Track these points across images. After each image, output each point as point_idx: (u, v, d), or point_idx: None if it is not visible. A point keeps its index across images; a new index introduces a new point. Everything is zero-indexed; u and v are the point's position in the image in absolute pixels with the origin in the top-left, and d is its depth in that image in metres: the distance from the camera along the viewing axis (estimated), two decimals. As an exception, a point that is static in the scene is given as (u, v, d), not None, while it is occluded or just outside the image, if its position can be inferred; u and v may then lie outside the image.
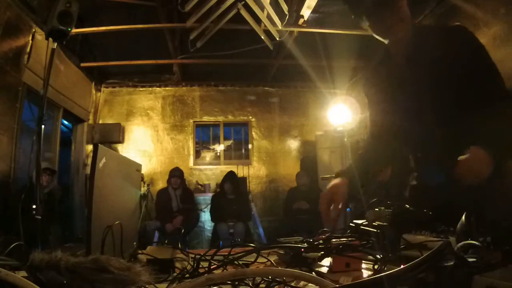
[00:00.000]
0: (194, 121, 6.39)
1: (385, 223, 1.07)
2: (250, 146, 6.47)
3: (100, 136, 5.81)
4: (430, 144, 1.26)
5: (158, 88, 6.37)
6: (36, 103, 3.89)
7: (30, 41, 3.89)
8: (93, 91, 5.92)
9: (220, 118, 6.49)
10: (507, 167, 1.15)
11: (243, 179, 5.97)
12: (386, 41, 1.34)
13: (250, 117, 6.55)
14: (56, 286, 0.59)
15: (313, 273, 0.84)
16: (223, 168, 6.03)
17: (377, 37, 1.34)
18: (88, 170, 5.37)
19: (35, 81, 3.89)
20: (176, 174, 4.96)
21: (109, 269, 0.63)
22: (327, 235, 1.19)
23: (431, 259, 0.63)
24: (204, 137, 6.63)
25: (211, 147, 6.54)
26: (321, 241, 1.07)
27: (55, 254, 0.63)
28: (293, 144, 6.55)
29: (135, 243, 1.19)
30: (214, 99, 6.51)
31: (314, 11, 4.04)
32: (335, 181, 1.30)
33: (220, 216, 4.80)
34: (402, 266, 0.63)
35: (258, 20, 3.96)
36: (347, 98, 5.17)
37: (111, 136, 5.91)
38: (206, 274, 0.78)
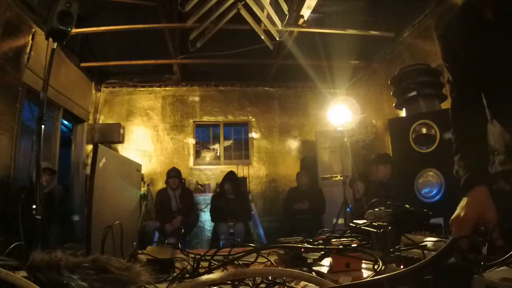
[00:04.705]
0: (194, 121, 6.39)
1: (385, 223, 1.07)
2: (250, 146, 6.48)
3: (100, 136, 5.81)
4: None
5: (158, 88, 6.37)
6: (36, 103, 3.89)
7: (30, 41, 3.89)
8: (93, 91, 5.92)
9: (220, 118, 6.49)
10: None
11: (243, 179, 5.97)
12: None
13: (250, 117, 6.55)
14: (56, 286, 0.59)
15: (313, 273, 0.84)
16: (223, 168, 6.03)
17: None
18: (88, 170, 5.37)
19: (35, 81, 3.89)
20: (173, 174, 4.96)
21: (109, 269, 0.63)
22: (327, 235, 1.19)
23: (434, 262, 0.63)
24: (204, 137, 6.62)
25: (211, 147, 6.54)
26: (321, 241, 1.07)
27: (55, 254, 0.63)
28: (293, 144, 6.55)
29: (135, 243, 1.19)
30: (214, 99, 6.50)
31: (314, 11, 4.04)
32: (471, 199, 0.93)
33: (220, 216, 4.80)
34: (403, 268, 0.63)
35: (258, 20, 3.96)
36: (347, 98, 5.17)
37: (111, 136, 5.91)
38: (206, 274, 0.78)
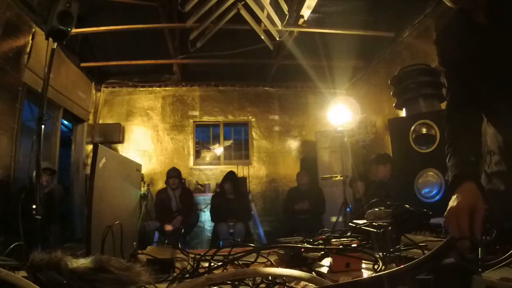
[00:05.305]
0: (194, 121, 6.39)
1: (385, 223, 1.08)
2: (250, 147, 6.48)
3: (100, 136, 5.82)
4: None
5: (158, 88, 6.37)
6: (36, 103, 3.89)
7: (30, 41, 3.89)
8: (93, 91, 5.92)
9: (220, 118, 6.49)
10: None
11: (243, 179, 5.97)
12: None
13: (250, 117, 6.55)
14: (56, 286, 0.59)
15: (313, 273, 0.84)
16: (223, 168, 6.03)
17: None
18: (88, 170, 5.37)
19: (35, 81, 3.89)
20: (173, 174, 4.96)
21: (109, 269, 0.63)
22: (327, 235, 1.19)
23: (431, 260, 0.63)
24: (204, 137, 6.62)
25: (211, 147, 6.54)
26: (321, 241, 1.07)
27: (55, 254, 0.63)
28: (293, 144, 6.55)
29: (135, 243, 1.19)
30: (214, 99, 6.50)
31: (314, 11, 4.04)
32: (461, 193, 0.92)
33: (220, 216, 4.80)
34: (401, 266, 0.63)
35: (258, 20, 3.96)
36: (347, 98, 5.17)
37: (111, 136, 5.91)
38: (206, 274, 0.78)
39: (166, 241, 4.27)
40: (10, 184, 3.54)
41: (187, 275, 0.86)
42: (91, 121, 5.85)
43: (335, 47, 4.87)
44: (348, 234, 1.21)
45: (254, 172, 6.33)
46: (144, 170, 5.68)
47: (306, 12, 3.99)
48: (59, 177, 5.02)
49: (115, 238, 0.95)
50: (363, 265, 0.92)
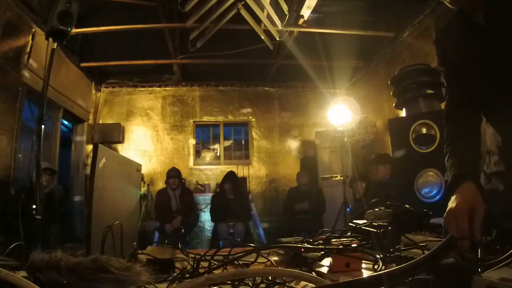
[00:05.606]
0: (194, 121, 6.39)
1: (385, 223, 1.08)
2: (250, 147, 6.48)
3: (100, 136, 5.81)
4: None
5: (158, 88, 6.37)
6: (36, 103, 3.89)
7: (30, 41, 3.89)
8: (93, 91, 5.92)
9: (220, 118, 6.49)
10: None
11: (243, 179, 5.97)
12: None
13: (250, 117, 6.55)
14: (56, 286, 0.59)
15: (313, 273, 0.84)
16: (223, 168, 6.03)
17: None
18: (88, 170, 5.37)
19: (35, 81, 3.89)
20: (173, 174, 4.96)
21: (109, 269, 0.63)
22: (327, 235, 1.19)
23: (431, 259, 0.63)
24: (204, 137, 6.62)
25: (211, 147, 6.54)
26: (321, 241, 1.07)
27: (55, 254, 0.63)
28: (293, 144, 6.55)
29: (135, 243, 1.19)
30: (214, 99, 6.50)
31: (314, 11, 4.04)
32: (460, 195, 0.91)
33: (220, 216, 4.80)
34: (400, 265, 0.63)
35: (258, 20, 3.96)
36: (347, 98, 5.17)
37: (111, 136, 5.91)
38: (206, 274, 0.78)
39: (166, 241, 4.26)
40: (10, 184, 3.54)
41: (187, 275, 0.86)
42: (91, 121, 5.85)
43: (335, 47, 4.88)
44: (348, 234, 1.21)
45: (254, 172, 6.33)
46: (144, 170, 5.68)
47: (306, 12, 3.99)
48: (59, 177, 5.02)
49: (115, 238, 0.95)
50: (363, 265, 0.92)
